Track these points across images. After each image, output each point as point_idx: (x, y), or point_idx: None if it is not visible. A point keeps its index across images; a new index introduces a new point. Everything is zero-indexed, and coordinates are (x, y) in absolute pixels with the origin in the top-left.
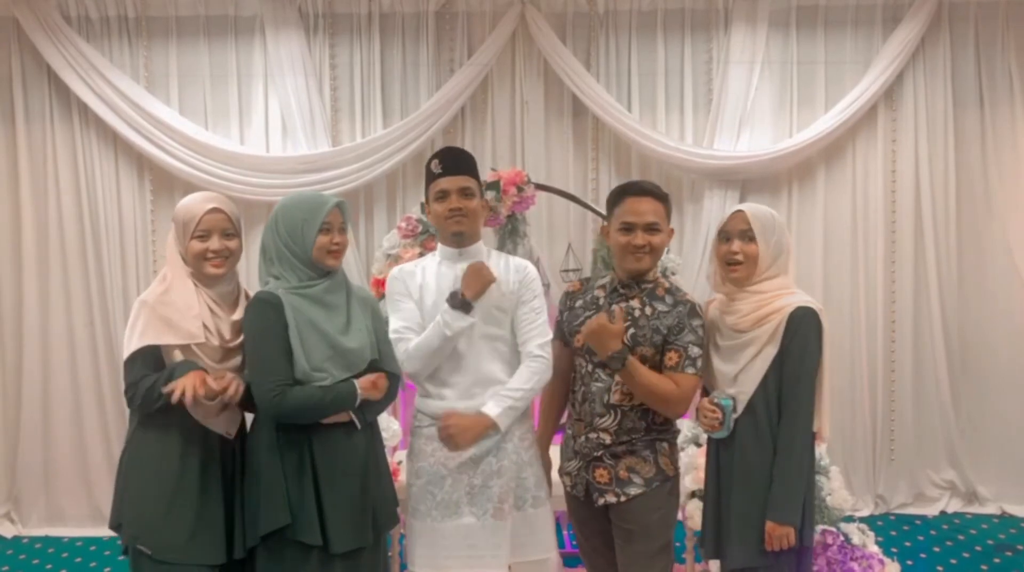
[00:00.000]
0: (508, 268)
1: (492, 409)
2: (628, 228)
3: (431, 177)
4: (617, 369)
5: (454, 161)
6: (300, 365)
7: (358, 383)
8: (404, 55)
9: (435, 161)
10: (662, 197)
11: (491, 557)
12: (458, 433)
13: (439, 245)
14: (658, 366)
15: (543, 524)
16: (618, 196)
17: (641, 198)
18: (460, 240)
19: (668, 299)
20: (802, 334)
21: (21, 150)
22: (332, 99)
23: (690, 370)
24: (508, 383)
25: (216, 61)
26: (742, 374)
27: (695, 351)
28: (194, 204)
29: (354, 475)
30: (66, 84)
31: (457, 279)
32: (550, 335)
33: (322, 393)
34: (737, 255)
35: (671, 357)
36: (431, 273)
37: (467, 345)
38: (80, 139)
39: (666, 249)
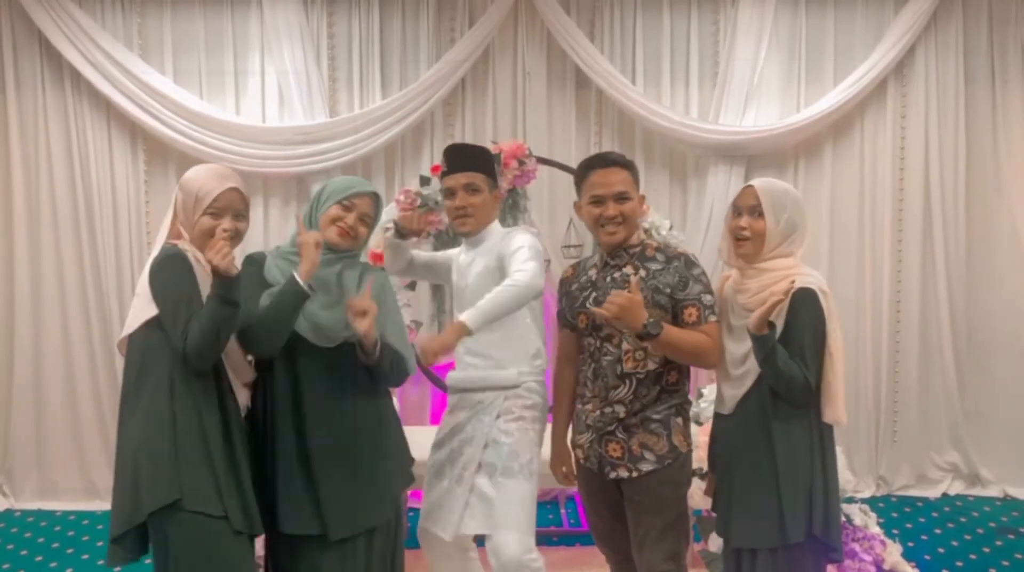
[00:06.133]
0: (499, 240)
1: (464, 314)
2: (598, 200)
3: (442, 174)
4: (655, 337)
5: (458, 158)
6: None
7: (295, 270)
8: (404, 24)
9: (443, 159)
10: (628, 165)
11: (444, 523)
12: (435, 348)
13: None
14: (673, 325)
15: (508, 498)
16: (584, 171)
17: (607, 169)
18: (467, 234)
19: (660, 257)
20: (799, 314)
21: (11, 118)
22: (330, 69)
23: (712, 318)
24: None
25: (211, 29)
26: (751, 353)
27: (708, 299)
28: (210, 178)
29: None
30: (58, 50)
31: (461, 266)
32: (532, 259)
33: (266, 307)
34: (744, 231)
35: (690, 313)
36: (454, 261)
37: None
38: (72, 107)
39: (670, 226)
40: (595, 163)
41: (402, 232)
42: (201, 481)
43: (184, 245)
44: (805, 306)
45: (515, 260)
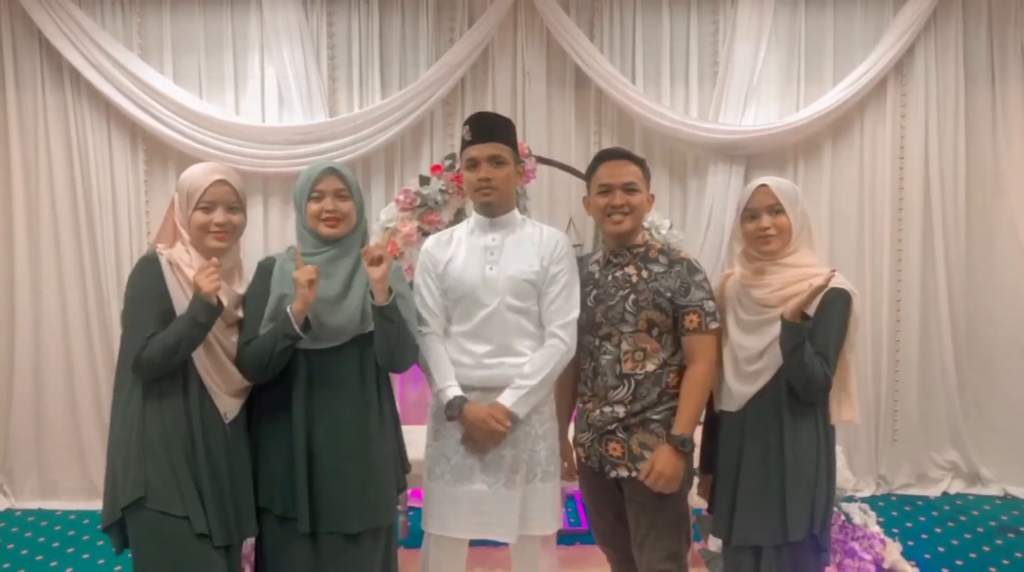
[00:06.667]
0: (542, 238)
1: (507, 399)
2: (606, 190)
3: (463, 143)
4: (691, 450)
5: (485, 127)
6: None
7: (290, 305)
8: (403, 24)
9: (466, 127)
10: (639, 161)
11: (500, 526)
12: (479, 436)
13: (473, 212)
14: (671, 329)
15: (551, 499)
16: (595, 164)
17: (617, 162)
18: (490, 210)
19: (663, 259)
20: (829, 313)
21: (11, 118)
22: (329, 68)
23: (713, 325)
24: (524, 368)
25: (211, 29)
26: (769, 350)
27: (710, 306)
28: (199, 174)
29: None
30: (58, 50)
31: (486, 249)
32: (574, 314)
33: (262, 339)
34: (769, 230)
35: (691, 320)
36: (463, 244)
37: (492, 316)
38: (72, 107)
39: (669, 225)
40: (606, 156)
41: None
42: (165, 481)
43: (164, 250)
44: (836, 306)
45: (560, 302)
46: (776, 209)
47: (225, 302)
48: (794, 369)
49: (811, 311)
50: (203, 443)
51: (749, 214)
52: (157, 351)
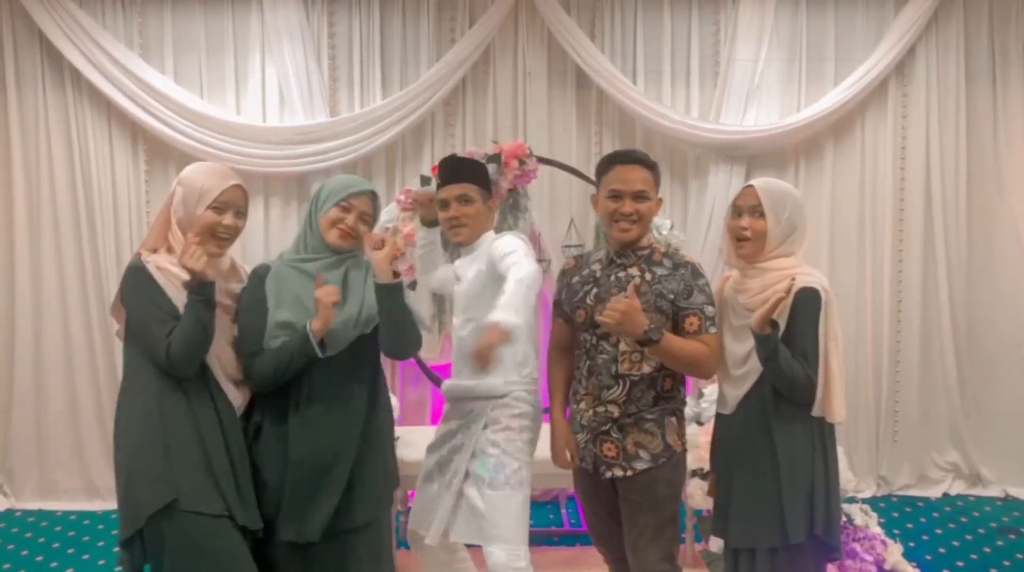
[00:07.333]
0: (488, 248)
1: (493, 316)
2: (616, 195)
3: (437, 187)
4: (655, 343)
5: (451, 170)
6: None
7: (310, 323)
8: (404, 24)
9: (438, 172)
10: (651, 166)
11: (433, 526)
12: (482, 351)
13: None
14: (672, 332)
15: (496, 509)
16: (607, 164)
17: (630, 166)
18: (462, 246)
19: (667, 262)
20: (802, 313)
21: (12, 117)
22: (330, 68)
23: (712, 330)
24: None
25: (212, 28)
26: (752, 353)
27: (710, 310)
28: (216, 175)
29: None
30: (59, 50)
31: (456, 275)
32: (520, 254)
33: (277, 352)
34: (745, 231)
35: (691, 322)
36: (457, 267)
37: (457, 331)
38: (73, 107)
39: (671, 226)
40: (619, 158)
41: (427, 220)
42: (198, 480)
43: (148, 257)
44: (807, 305)
45: (509, 260)
46: (757, 211)
47: (214, 277)
48: (773, 376)
49: (784, 316)
50: (232, 435)
51: (735, 211)
52: (181, 344)
